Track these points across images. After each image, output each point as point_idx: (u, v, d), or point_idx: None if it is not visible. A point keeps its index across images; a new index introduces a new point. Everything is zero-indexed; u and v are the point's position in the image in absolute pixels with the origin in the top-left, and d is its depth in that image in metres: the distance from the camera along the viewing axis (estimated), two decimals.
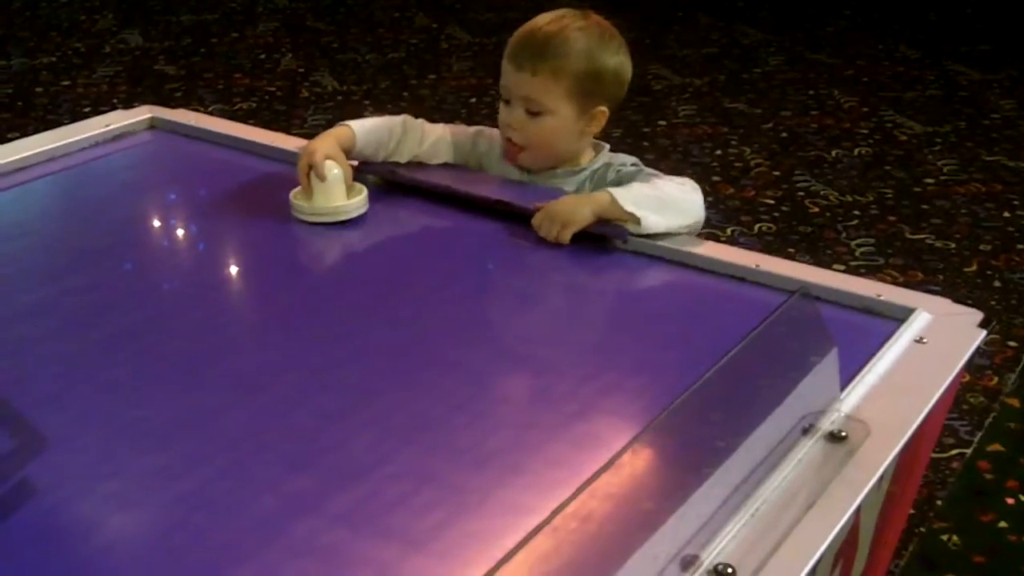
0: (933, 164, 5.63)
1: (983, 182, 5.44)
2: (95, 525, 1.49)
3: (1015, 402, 3.76)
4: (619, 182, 2.33)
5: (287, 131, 5.13)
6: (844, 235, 4.85)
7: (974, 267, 4.62)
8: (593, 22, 2.39)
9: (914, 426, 1.66)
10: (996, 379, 3.86)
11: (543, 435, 1.69)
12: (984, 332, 1.94)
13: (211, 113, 5.73)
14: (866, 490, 1.52)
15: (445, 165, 2.49)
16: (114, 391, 1.74)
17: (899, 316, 1.96)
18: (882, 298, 2.02)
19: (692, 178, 2.35)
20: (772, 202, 5.14)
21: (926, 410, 1.70)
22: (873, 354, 1.82)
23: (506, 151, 2.43)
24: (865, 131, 6.01)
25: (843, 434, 1.61)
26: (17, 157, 2.51)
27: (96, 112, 2.84)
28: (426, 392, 1.77)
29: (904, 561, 3.04)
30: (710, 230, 4.79)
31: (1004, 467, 3.47)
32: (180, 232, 2.40)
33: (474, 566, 1.36)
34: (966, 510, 3.28)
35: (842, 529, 1.48)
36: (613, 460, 1.35)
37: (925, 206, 5.16)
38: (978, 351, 3.83)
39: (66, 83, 6.30)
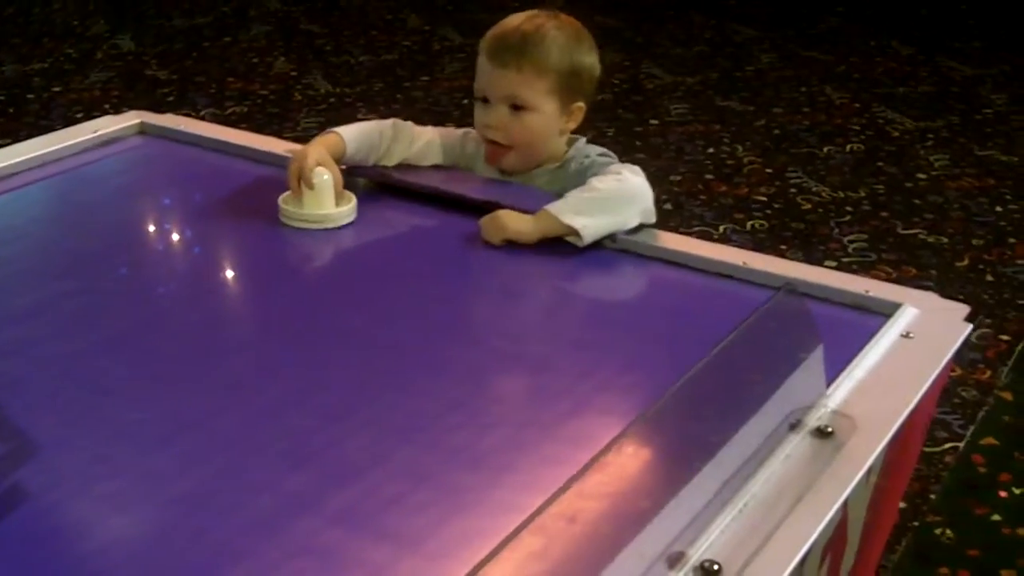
0: (925, 159, 5.64)
1: (975, 177, 5.46)
2: (92, 526, 1.50)
3: (1008, 395, 3.78)
4: (582, 174, 2.34)
5: (280, 134, 5.16)
6: (837, 231, 4.87)
7: (966, 262, 4.64)
8: (566, 21, 2.42)
9: (900, 420, 1.67)
10: (989, 373, 3.87)
11: (537, 434, 1.70)
12: (970, 326, 1.95)
13: (203, 117, 5.73)
14: (852, 485, 1.53)
15: (433, 167, 2.50)
16: (109, 393, 1.76)
17: (886, 311, 1.97)
18: (869, 294, 2.03)
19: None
20: (765, 199, 5.16)
21: (912, 404, 1.71)
22: (860, 349, 1.83)
23: (489, 154, 2.44)
24: (857, 127, 6.02)
25: (830, 429, 1.62)
26: (7, 163, 2.52)
27: (89, 117, 2.84)
28: (420, 392, 1.78)
29: (898, 556, 3.06)
30: (703, 227, 4.81)
31: (998, 460, 3.48)
32: (171, 236, 2.41)
33: (469, 565, 1.36)
34: (960, 504, 3.29)
35: (829, 524, 1.49)
36: (597, 458, 1.37)
37: (917, 201, 5.18)
38: (970, 345, 3.88)
39: (58, 88, 6.30)
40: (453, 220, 2.33)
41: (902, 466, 2.02)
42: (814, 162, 5.57)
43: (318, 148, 2.35)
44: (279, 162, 2.49)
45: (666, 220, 4.69)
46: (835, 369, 1.75)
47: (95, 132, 2.68)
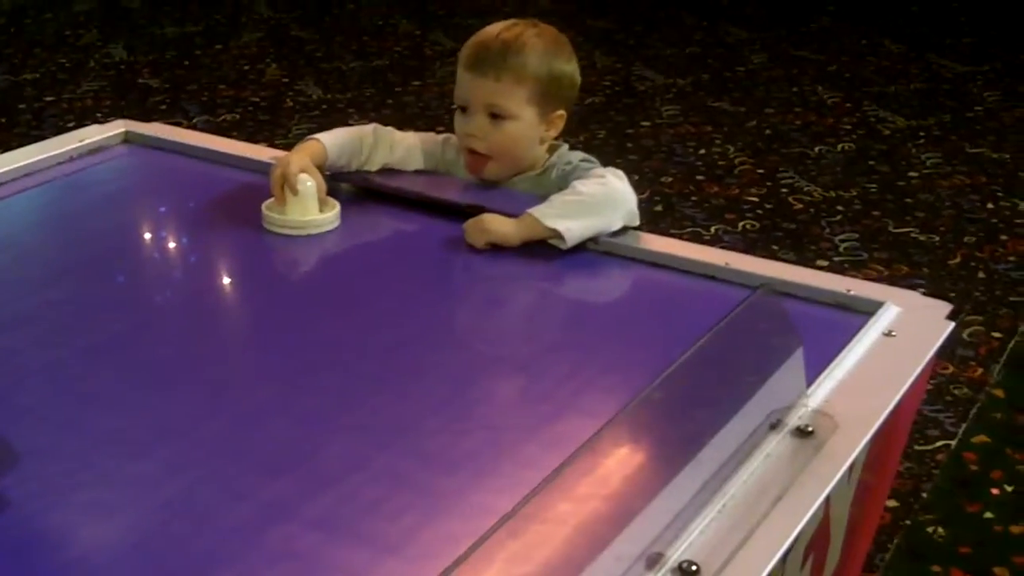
0: (917, 158, 5.65)
1: (967, 174, 5.46)
2: (74, 534, 1.50)
3: (1000, 393, 3.78)
4: (563, 180, 2.34)
5: (272, 141, 5.18)
6: (828, 231, 4.87)
7: (958, 259, 4.64)
8: (545, 29, 2.42)
9: (881, 419, 1.67)
10: (981, 370, 3.87)
11: (517, 437, 1.70)
12: (952, 324, 1.95)
13: (196, 125, 5.74)
14: (833, 483, 1.53)
15: (416, 171, 2.50)
16: (92, 401, 1.76)
17: (868, 310, 1.97)
18: (852, 293, 2.04)
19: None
20: (756, 199, 5.16)
21: (893, 403, 1.71)
22: (842, 348, 1.83)
23: (469, 164, 2.44)
24: (848, 126, 6.03)
25: (810, 429, 1.62)
26: None
27: (81, 127, 2.84)
28: (401, 396, 1.79)
29: (890, 554, 3.06)
30: (694, 228, 4.81)
31: (990, 458, 3.48)
32: (156, 244, 2.42)
33: None
34: (952, 501, 3.29)
35: (809, 523, 1.49)
36: (572, 458, 1.37)
37: (909, 200, 5.18)
38: (962, 342, 3.88)
39: (50, 98, 6.30)
40: (436, 224, 2.33)
41: (886, 464, 2.02)
42: (805, 162, 5.58)
43: (301, 155, 2.35)
44: (264, 169, 2.49)
45: (657, 221, 4.73)
46: (817, 368, 1.76)
47: (80, 141, 2.68)
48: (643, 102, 6.36)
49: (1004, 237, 4.84)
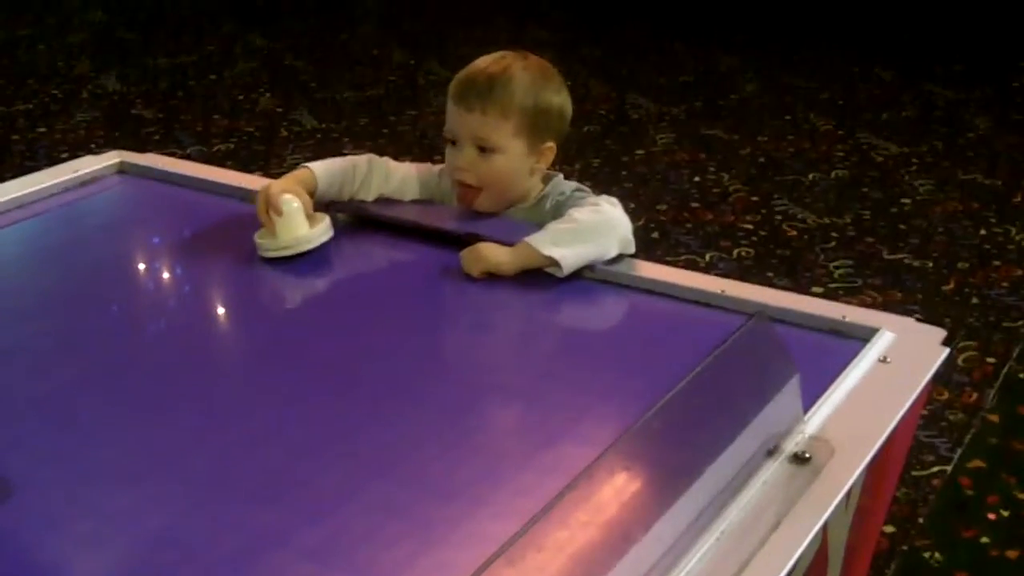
0: (910, 184, 5.65)
1: (959, 200, 5.47)
2: (66, 564, 1.50)
3: (995, 418, 3.78)
4: (557, 210, 2.35)
5: (266, 171, 5.18)
6: (822, 257, 4.88)
7: (952, 285, 4.65)
8: (534, 62, 2.42)
9: (878, 444, 1.67)
10: (975, 395, 3.87)
11: (512, 465, 1.70)
12: (947, 350, 1.95)
13: (190, 155, 5.74)
14: (830, 510, 1.53)
15: (413, 201, 2.50)
16: (82, 431, 1.76)
17: (863, 336, 1.97)
18: (846, 319, 2.04)
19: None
20: (751, 227, 5.16)
21: (890, 428, 1.71)
22: (837, 375, 1.83)
23: (460, 196, 2.44)
24: (842, 153, 6.04)
25: (807, 455, 1.62)
26: None
27: (74, 158, 2.84)
28: (395, 425, 1.79)
29: None
30: (689, 255, 4.81)
31: (985, 482, 3.48)
32: (150, 274, 2.41)
33: None
34: (948, 526, 3.29)
35: (808, 549, 1.49)
36: (570, 486, 1.37)
37: (902, 226, 5.19)
38: (957, 368, 3.88)
39: (43, 129, 6.31)
40: (432, 253, 2.33)
41: (883, 489, 2.02)
42: (799, 189, 5.58)
43: (284, 179, 2.37)
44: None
45: (653, 249, 4.73)
46: (812, 394, 1.75)
47: (75, 172, 2.68)
48: (637, 130, 6.37)
49: (997, 263, 4.85)
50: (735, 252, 4.91)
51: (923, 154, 6.02)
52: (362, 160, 2.49)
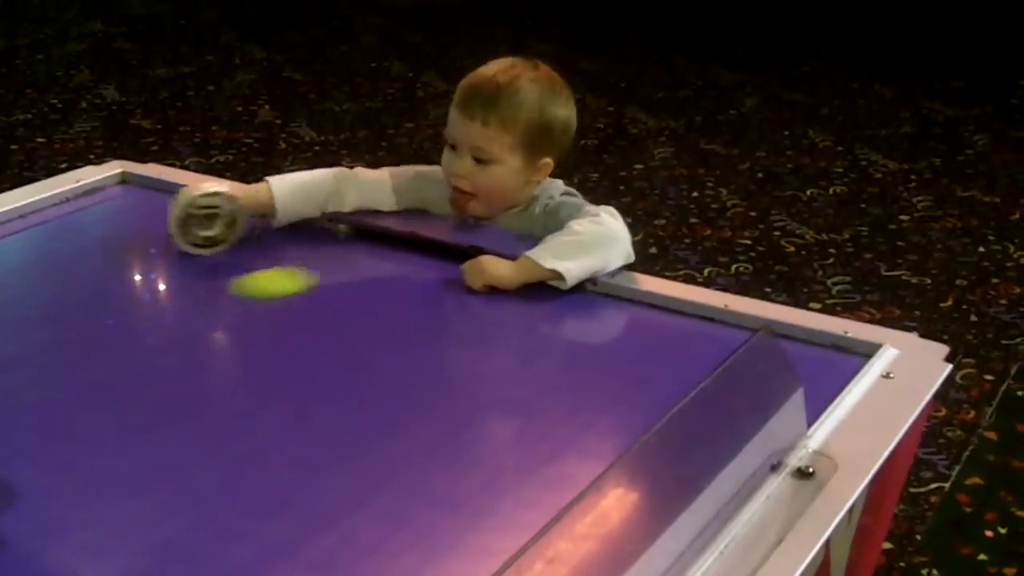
0: (908, 201, 5.65)
1: (958, 217, 5.47)
2: (70, 575, 1.50)
3: (993, 435, 3.78)
4: (548, 215, 2.37)
5: None
6: (821, 273, 4.88)
7: (950, 302, 4.65)
8: (543, 73, 2.41)
9: (881, 460, 1.67)
10: (973, 412, 3.87)
11: (516, 477, 1.70)
12: (950, 366, 1.95)
13: (188, 166, 5.73)
14: (833, 525, 1.54)
15: (412, 211, 2.50)
16: (88, 442, 1.76)
17: (866, 352, 1.98)
18: (849, 335, 2.04)
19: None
20: (749, 242, 5.16)
21: (893, 444, 1.72)
22: (840, 390, 1.84)
23: (455, 201, 2.44)
24: (840, 169, 6.04)
25: (811, 470, 1.62)
26: None
27: (73, 168, 2.84)
28: (399, 437, 1.79)
29: None
30: (688, 271, 4.81)
31: (983, 500, 3.48)
32: (152, 286, 2.41)
33: None
34: (945, 544, 3.28)
35: (810, 565, 1.49)
36: (577, 500, 1.37)
37: (901, 243, 5.19)
38: (955, 385, 3.88)
39: (42, 139, 6.30)
40: (433, 265, 2.33)
41: (884, 505, 2.02)
42: (798, 204, 5.58)
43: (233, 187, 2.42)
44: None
45: (651, 264, 4.73)
46: (816, 410, 1.76)
47: (76, 182, 2.67)
48: (636, 144, 6.37)
49: (995, 280, 4.85)
50: (733, 267, 4.91)
51: (922, 171, 6.02)
52: (327, 173, 2.49)
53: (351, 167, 2.55)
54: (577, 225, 2.27)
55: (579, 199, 2.41)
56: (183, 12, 8.93)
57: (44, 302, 2.24)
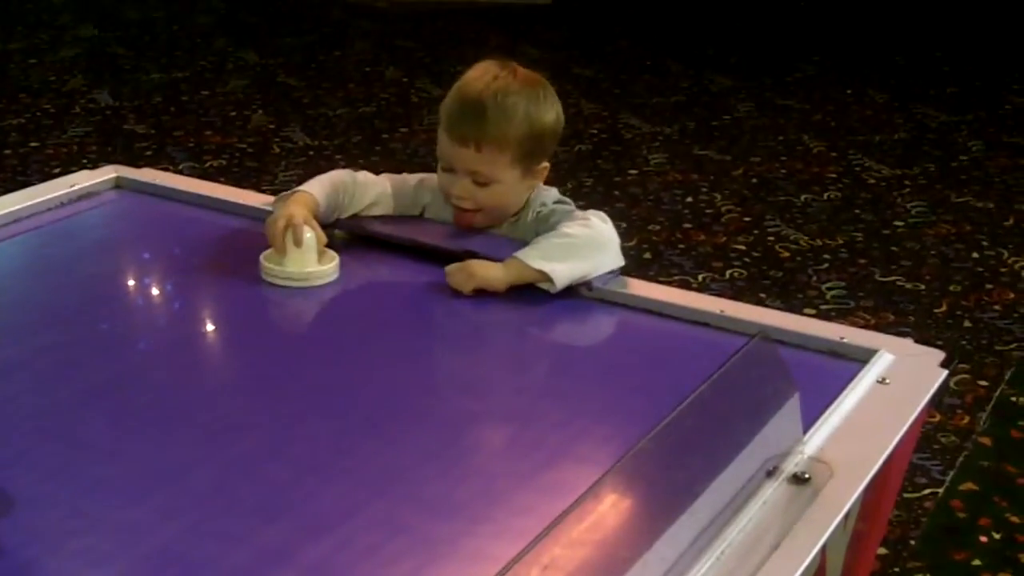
0: (902, 207, 5.66)
1: (952, 223, 5.48)
2: None
3: (987, 441, 3.78)
4: (540, 221, 2.37)
5: (259, 187, 5.15)
6: (815, 279, 4.88)
7: (944, 308, 4.65)
8: (523, 78, 2.38)
9: (877, 466, 1.67)
10: (967, 418, 3.87)
11: (512, 483, 1.70)
12: (946, 372, 1.96)
13: (182, 171, 5.72)
14: (829, 531, 1.53)
15: (407, 217, 2.49)
16: (84, 447, 1.75)
17: (862, 357, 1.98)
18: (845, 340, 2.04)
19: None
20: (743, 248, 5.17)
21: (888, 450, 1.72)
22: (836, 396, 1.84)
23: (458, 218, 2.43)
24: (834, 175, 6.04)
25: (807, 476, 1.62)
26: None
27: (66, 172, 2.84)
28: (396, 443, 1.79)
29: None
30: (682, 276, 4.81)
31: (977, 505, 3.48)
32: (148, 290, 2.41)
33: None
34: (940, 549, 3.29)
35: (806, 571, 1.49)
36: (573, 506, 1.37)
37: (895, 248, 5.19)
38: (949, 391, 3.88)
39: (36, 144, 6.29)
40: (423, 270, 2.32)
41: (880, 511, 2.02)
42: (792, 210, 5.59)
43: (300, 207, 2.32)
44: (255, 215, 2.49)
45: (645, 269, 4.73)
46: (812, 415, 1.76)
47: (71, 187, 2.67)
48: (630, 150, 6.37)
49: (989, 286, 4.86)
50: (727, 273, 4.91)
51: (916, 176, 6.03)
52: (346, 177, 2.47)
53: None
54: (566, 228, 2.27)
55: (571, 206, 2.41)
56: (177, 17, 8.93)
57: (39, 307, 2.24)
